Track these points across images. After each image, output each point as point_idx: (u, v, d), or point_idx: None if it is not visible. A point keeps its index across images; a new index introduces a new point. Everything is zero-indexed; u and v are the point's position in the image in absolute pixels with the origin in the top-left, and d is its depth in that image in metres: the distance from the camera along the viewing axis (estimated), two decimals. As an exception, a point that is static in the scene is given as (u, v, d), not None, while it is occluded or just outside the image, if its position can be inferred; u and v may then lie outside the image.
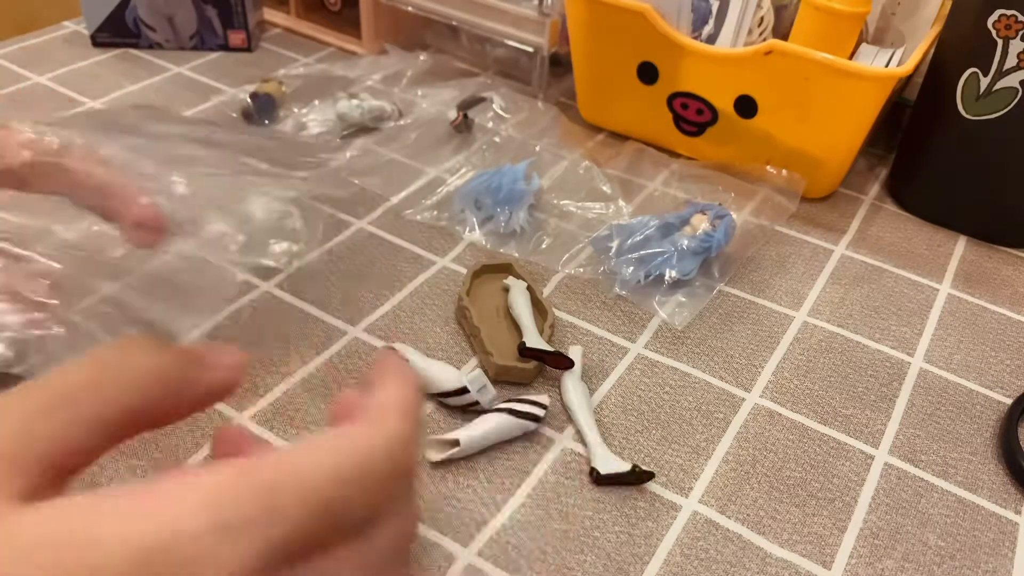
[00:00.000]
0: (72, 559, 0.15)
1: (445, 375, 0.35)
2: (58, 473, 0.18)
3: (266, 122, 0.53)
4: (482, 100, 0.56)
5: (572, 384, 0.36)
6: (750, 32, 0.49)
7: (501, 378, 0.37)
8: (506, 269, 0.42)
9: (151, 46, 0.62)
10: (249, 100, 0.53)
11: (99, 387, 0.19)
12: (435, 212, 0.46)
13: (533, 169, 0.48)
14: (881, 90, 0.45)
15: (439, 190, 0.48)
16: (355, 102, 0.53)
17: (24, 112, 0.53)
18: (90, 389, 0.19)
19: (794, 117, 0.48)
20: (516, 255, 0.44)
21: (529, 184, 0.46)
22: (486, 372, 0.36)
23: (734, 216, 0.44)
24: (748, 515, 0.32)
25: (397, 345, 0.37)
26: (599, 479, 0.33)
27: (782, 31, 0.50)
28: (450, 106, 0.56)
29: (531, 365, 0.37)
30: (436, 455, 0.33)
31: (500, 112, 0.56)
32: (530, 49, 0.57)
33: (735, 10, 0.49)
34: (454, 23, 0.59)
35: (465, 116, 0.54)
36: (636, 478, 0.33)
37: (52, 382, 0.19)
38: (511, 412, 0.34)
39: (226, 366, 0.21)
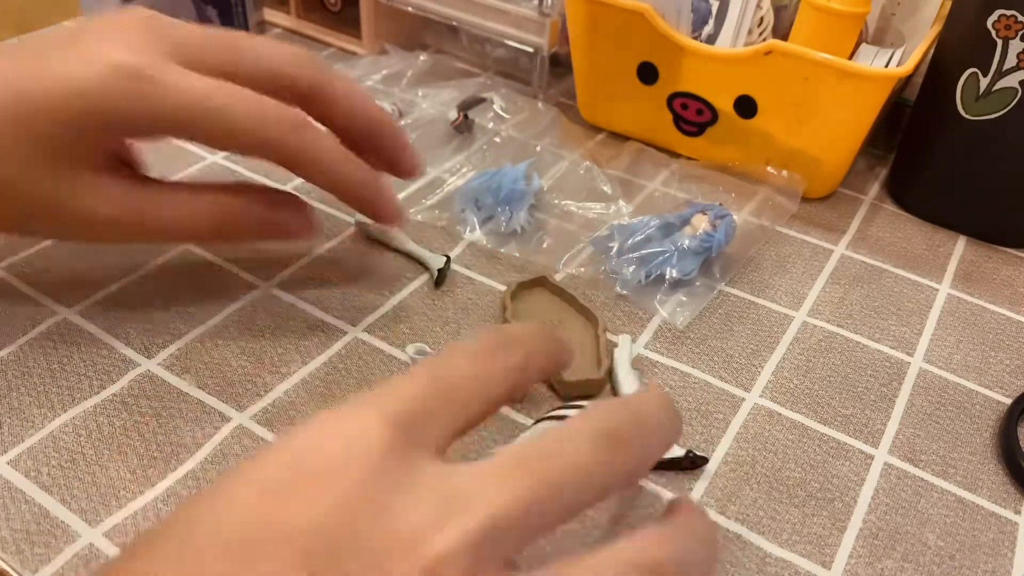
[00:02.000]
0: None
1: None
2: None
3: None
4: (482, 100, 0.56)
5: (624, 375, 0.36)
6: (750, 32, 0.49)
7: (573, 394, 0.36)
8: (540, 283, 0.41)
9: (151, 46, 0.62)
10: None
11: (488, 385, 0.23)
12: (436, 212, 0.47)
13: (533, 169, 0.48)
14: (881, 90, 0.45)
15: (439, 190, 0.48)
16: (355, 102, 0.53)
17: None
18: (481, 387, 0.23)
19: (794, 117, 0.48)
20: (517, 254, 0.44)
21: (530, 184, 0.46)
22: (555, 391, 0.36)
23: (735, 216, 0.44)
24: (747, 515, 0.32)
25: (410, 347, 0.37)
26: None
27: (782, 31, 0.50)
28: (450, 106, 0.56)
29: (601, 375, 0.36)
30: None
31: (500, 112, 0.56)
32: (530, 49, 0.57)
33: (735, 10, 0.49)
34: (454, 23, 0.59)
35: (466, 116, 0.54)
36: (690, 463, 0.33)
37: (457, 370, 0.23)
38: (559, 420, 0.32)
39: None
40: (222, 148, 0.34)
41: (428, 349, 0.37)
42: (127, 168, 0.34)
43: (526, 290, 0.41)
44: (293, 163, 0.33)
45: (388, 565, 0.18)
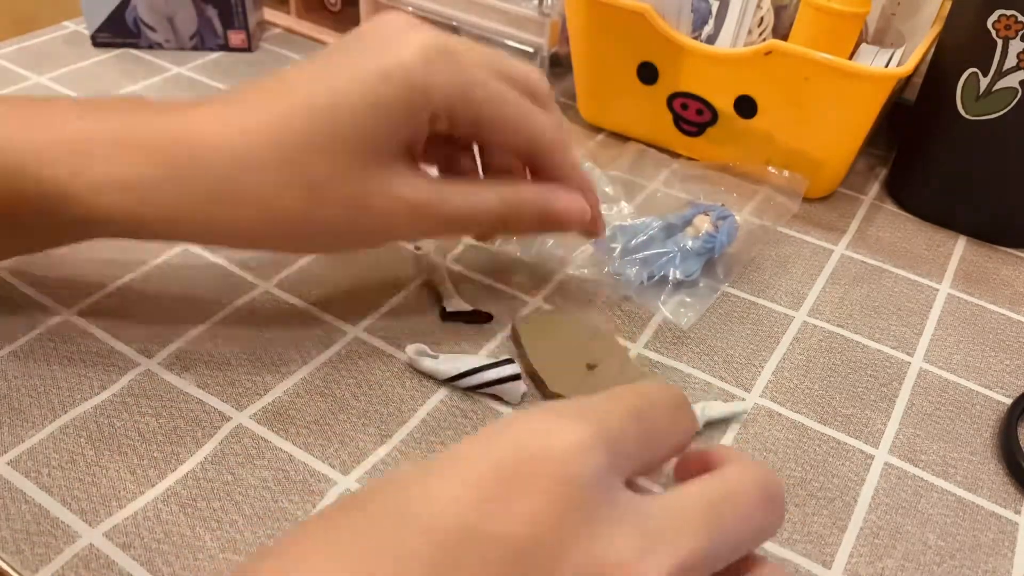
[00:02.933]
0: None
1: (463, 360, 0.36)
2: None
3: None
4: None
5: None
6: (750, 32, 0.49)
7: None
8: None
9: (151, 46, 0.62)
10: None
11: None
12: None
13: None
14: (881, 90, 0.45)
15: None
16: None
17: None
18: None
19: (794, 117, 0.48)
20: (519, 254, 0.44)
21: None
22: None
23: (736, 217, 0.44)
24: (748, 515, 0.32)
25: (410, 348, 0.37)
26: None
27: (782, 31, 0.50)
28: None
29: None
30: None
31: None
32: (530, 49, 0.57)
33: (735, 10, 0.49)
34: (454, 23, 0.59)
35: None
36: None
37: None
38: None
39: None
40: (495, 130, 0.34)
41: (428, 350, 0.36)
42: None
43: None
44: (551, 150, 0.34)
45: None
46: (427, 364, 0.36)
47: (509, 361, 0.36)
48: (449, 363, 0.36)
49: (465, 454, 0.21)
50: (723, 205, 0.44)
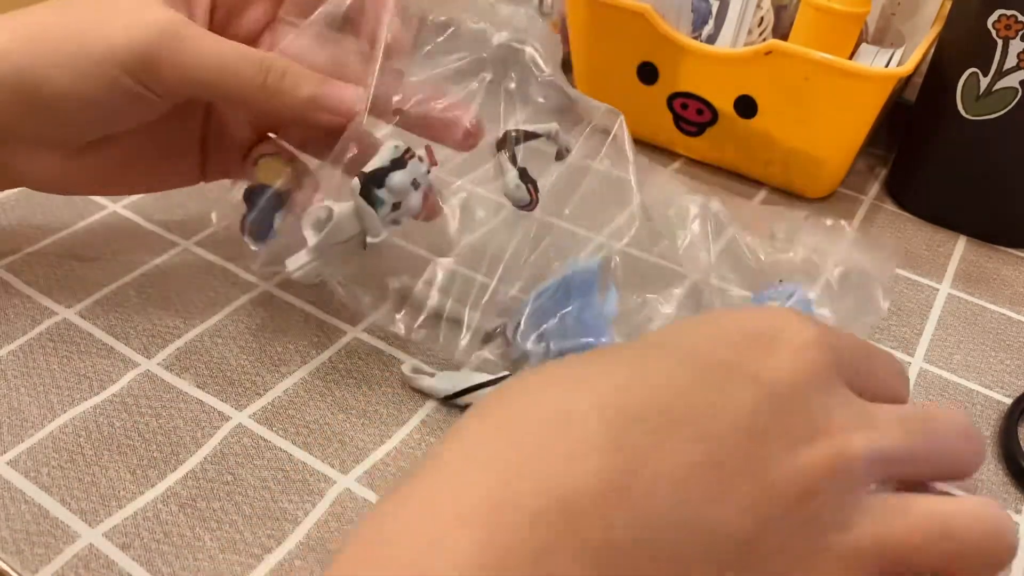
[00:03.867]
0: None
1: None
2: None
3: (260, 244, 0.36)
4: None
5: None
6: (750, 32, 0.49)
7: None
8: None
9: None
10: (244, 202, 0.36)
11: None
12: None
13: (608, 273, 0.36)
14: (881, 90, 0.45)
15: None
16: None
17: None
18: None
19: (794, 117, 0.48)
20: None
21: (604, 303, 0.34)
22: None
23: (813, 306, 0.37)
24: (748, 515, 0.32)
25: (406, 365, 0.36)
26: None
27: (782, 31, 0.50)
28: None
29: None
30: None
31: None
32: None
33: (735, 10, 0.49)
34: (452, 26, 0.59)
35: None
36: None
37: None
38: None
39: None
40: None
41: (425, 367, 0.36)
42: None
43: None
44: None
45: (810, 439, 0.23)
46: (424, 383, 0.35)
47: (507, 378, 0.35)
48: (447, 381, 0.35)
49: (715, 318, 0.26)
50: (806, 292, 0.36)
